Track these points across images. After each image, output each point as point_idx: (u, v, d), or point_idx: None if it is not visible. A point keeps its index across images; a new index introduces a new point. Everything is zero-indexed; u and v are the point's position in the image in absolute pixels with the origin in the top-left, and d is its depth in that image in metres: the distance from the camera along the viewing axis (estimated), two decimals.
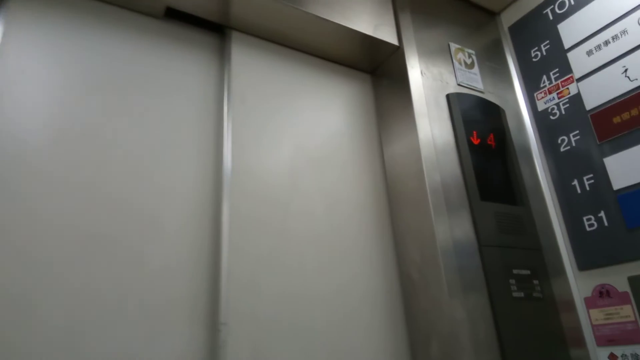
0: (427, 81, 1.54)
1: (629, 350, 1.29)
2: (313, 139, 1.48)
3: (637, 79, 1.39)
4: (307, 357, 1.18)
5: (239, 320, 1.11)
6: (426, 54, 1.61)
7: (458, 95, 1.56)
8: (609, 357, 1.34)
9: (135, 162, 1.16)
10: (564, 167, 1.55)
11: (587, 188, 1.47)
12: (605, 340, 1.35)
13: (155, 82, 1.28)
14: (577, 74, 1.56)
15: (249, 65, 1.44)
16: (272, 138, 1.39)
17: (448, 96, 1.55)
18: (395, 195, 1.51)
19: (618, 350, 1.32)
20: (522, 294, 1.34)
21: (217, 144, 1.31)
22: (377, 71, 1.71)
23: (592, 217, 1.44)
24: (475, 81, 1.66)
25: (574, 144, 1.53)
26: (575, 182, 1.50)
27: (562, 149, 1.57)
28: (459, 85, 1.61)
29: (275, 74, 1.49)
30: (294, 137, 1.44)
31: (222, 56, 1.43)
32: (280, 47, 1.54)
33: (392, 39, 1.57)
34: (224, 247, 1.16)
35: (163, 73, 1.31)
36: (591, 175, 1.46)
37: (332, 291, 1.30)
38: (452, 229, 1.34)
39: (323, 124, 1.52)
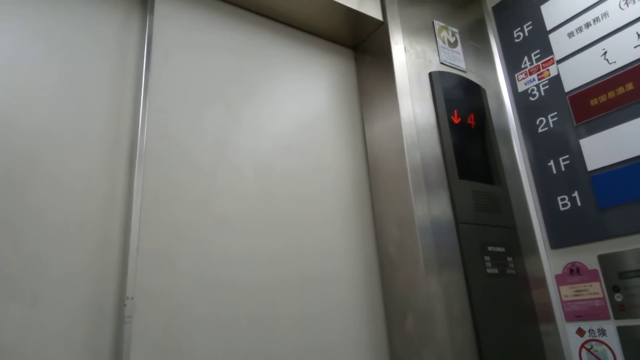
0: (411, 58, 1.53)
1: (595, 325, 1.34)
2: (279, 113, 1.43)
3: (615, 62, 1.41)
4: (228, 342, 1.11)
5: (147, 295, 1.02)
6: (410, 30, 1.59)
7: (440, 73, 1.56)
8: (576, 332, 1.38)
9: (42, 117, 1.04)
10: (541, 147, 1.58)
11: (563, 169, 1.50)
12: (574, 315, 1.40)
13: (68, 31, 1.13)
14: (557, 55, 1.58)
15: (177, 18, 1.31)
16: (200, 100, 1.27)
17: (431, 74, 1.54)
18: (376, 175, 1.51)
19: (585, 326, 1.37)
20: (496, 271, 1.37)
21: (134, 102, 1.18)
22: (360, 47, 1.69)
23: (566, 197, 1.47)
24: (458, 60, 1.66)
25: (551, 125, 1.55)
26: (552, 163, 1.53)
27: (540, 130, 1.59)
28: (441, 63, 1.61)
29: (215, 33, 1.37)
30: (241, 105, 1.36)
31: (146, 5, 1.28)
32: (226, 5, 1.42)
33: (377, 14, 1.55)
34: (134, 217, 1.05)
35: (77, 21, 1.16)
36: (567, 156, 1.49)
37: (289, 273, 1.27)
38: (430, 207, 1.35)
39: (295, 98, 1.50)
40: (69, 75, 1.11)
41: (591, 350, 1.34)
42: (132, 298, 1.00)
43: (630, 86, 1.36)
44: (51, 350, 0.91)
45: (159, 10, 1.28)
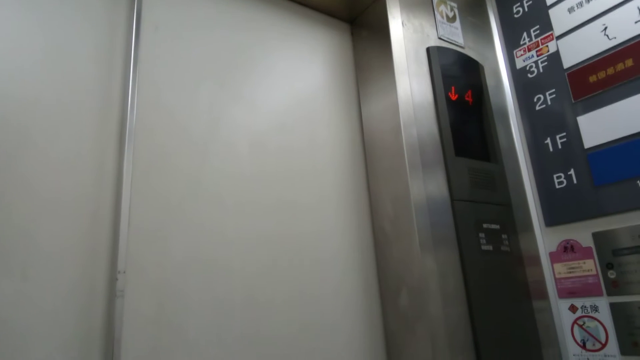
0: (408, 33, 1.50)
1: (588, 302, 1.35)
2: (274, 89, 1.41)
3: (615, 38, 1.39)
4: (221, 320, 1.10)
5: (139, 269, 1.02)
6: (408, 4, 1.56)
7: (438, 48, 1.53)
8: (569, 309, 1.39)
9: (31, 88, 1.01)
10: (538, 125, 1.56)
11: (559, 146, 1.49)
12: (567, 292, 1.41)
13: (56, 2, 1.09)
14: (557, 31, 1.55)
15: None
16: (193, 72, 1.25)
17: (428, 49, 1.52)
18: (372, 151, 1.49)
19: (578, 302, 1.38)
20: (490, 248, 1.37)
21: (124, 74, 1.14)
22: (357, 21, 1.66)
23: (562, 175, 1.46)
24: (456, 35, 1.63)
25: (549, 103, 1.54)
26: (548, 141, 1.52)
27: (537, 107, 1.57)
28: (439, 39, 1.58)
29: (208, 6, 1.33)
30: (233, 81, 1.33)
31: None
32: None
33: None
34: (124, 190, 1.03)
35: None
36: (564, 133, 1.48)
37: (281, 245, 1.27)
38: (426, 183, 1.34)
39: (291, 73, 1.47)
40: (57, 46, 1.07)
41: (583, 326, 1.35)
42: (124, 272, 0.98)
43: (630, 62, 1.34)
44: (42, 324, 0.90)
45: None
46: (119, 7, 1.20)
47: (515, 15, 1.70)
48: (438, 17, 1.61)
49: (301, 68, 1.49)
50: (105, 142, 1.08)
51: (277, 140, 1.35)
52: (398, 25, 1.48)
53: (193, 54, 1.27)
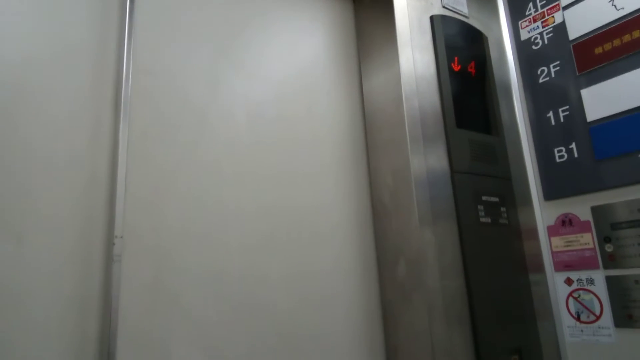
0: (412, 0, 1.46)
1: (584, 275, 1.36)
2: (274, 58, 1.38)
3: (623, 8, 1.35)
4: (218, 287, 1.11)
5: (137, 236, 1.02)
6: None
7: (442, 17, 1.50)
8: (564, 281, 1.40)
9: (25, 47, 0.99)
10: (540, 98, 1.54)
11: (562, 120, 1.47)
12: (563, 265, 1.41)
13: None
14: (564, 1, 1.51)
15: None
16: (190, 38, 1.22)
17: (432, 18, 1.48)
18: (372, 123, 1.48)
19: (574, 275, 1.38)
20: (489, 220, 1.37)
21: (119, 36, 1.12)
22: None
23: (563, 149, 1.45)
24: (460, 4, 1.59)
25: (553, 75, 1.51)
26: (550, 114, 1.50)
27: (540, 80, 1.55)
28: (443, 7, 1.54)
29: None
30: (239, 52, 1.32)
31: None
32: None
33: None
34: (120, 155, 1.02)
35: None
36: (567, 107, 1.46)
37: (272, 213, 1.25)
38: (426, 155, 1.33)
39: (291, 42, 1.44)
40: (52, 6, 1.05)
41: (578, 299, 1.36)
42: (121, 237, 0.98)
43: (637, 33, 1.31)
44: (40, 288, 0.91)
45: None
46: None
47: None
48: None
49: (301, 38, 1.46)
50: (101, 104, 1.06)
51: (276, 110, 1.33)
52: None
53: (192, 20, 1.24)
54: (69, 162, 0.99)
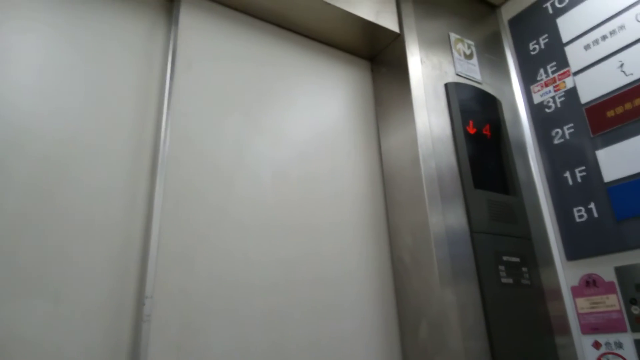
0: (427, 70, 1.56)
1: (612, 338, 1.32)
2: (297, 122, 1.46)
3: (632, 74, 1.41)
4: (243, 340, 1.12)
5: (166, 294, 1.05)
6: (426, 42, 1.62)
7: (456, 84, 1.58)
8: (592, 345, 1.37)
9: (71, 124, 1.09)
10: (557, 159, 1.58)
11: (579, 180, 1.49)
12: (590, 328, 1.38)
13: (96, 39, 1.19)
14: (573, 67, 1.58)
15: (201, 29, 1.35)
16: (220, 106, 1.31)
17: (447, 85, 1.56)
18: (391, 183, 1.52)
19: (602, 338, 1.35)
20: (511, 281, 1.37)
21: (158, 109, 1.23)
22: (377, 58, 1.72)
23: (582, 209, 1.46)
24: (473, 72, 1.68)
25: (567, 137, 1.56)
26: (567, 174, 1.53)
27: (555, 142, 1.59)
28: (457, 75, 1.63)
29: (237, 44, 1.42)
30: (264, 115, 1.41)
31: (171, 16, 1.34)
32: (247, 17, 1.48)
33: (394, 26, 1.58)
34: (154, 219, 1.09)
35: (105, 30, 1.21)
36: (583, 167, 1.49)
37: (303, 279, 1.29)
38: (445, 215, 1.36)
39: (313, 107, 1.53)
40: (96, 82, 1.16)
41: None
42: (152, 297, 1.02)
43: None
44: (71, 346, 0.94)
45: (183, 21, 1.32)
46: (156, 44, 1.29)
47: (532, 52, 1.74)
48: (456, 54, 1.66)
49: (322, 102, 1.55)
50: (139, 172, 1.14)
51: (299, 170, 1.39)
52: (417, 63, 1.54)
53: (222, 88, 1.34)
54: (105, 226, 1.05)
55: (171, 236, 1.11)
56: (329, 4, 1.45)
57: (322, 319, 1.26)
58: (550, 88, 1.65)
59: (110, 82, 1.18)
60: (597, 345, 1.36)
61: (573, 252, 1.47)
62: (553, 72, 1.65)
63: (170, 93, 1.22)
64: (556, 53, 1.65)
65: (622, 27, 1.46)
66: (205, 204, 1.19)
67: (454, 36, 1.70)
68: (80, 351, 0.95)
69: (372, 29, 1.58)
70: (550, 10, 1.70)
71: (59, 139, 1.06)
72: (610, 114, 1.44)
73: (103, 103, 1.15)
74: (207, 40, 1.36)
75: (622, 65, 1.44)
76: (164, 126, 1.18)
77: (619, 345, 1.30)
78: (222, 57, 1.37)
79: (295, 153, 1.41)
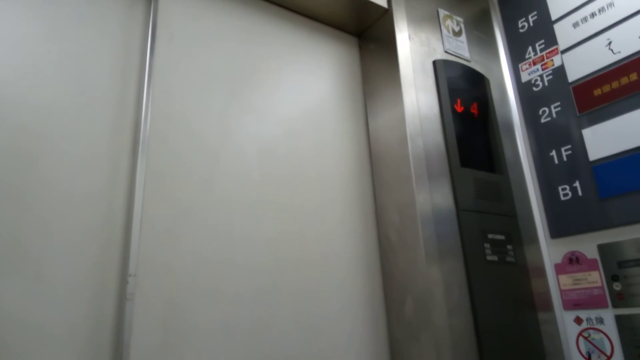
0: (415, 46, 1.53)
1: (593, 314, 1.35)
2: (283, 98, 1.44)
3: (620, 52, 1.41)
4: (229, 319, 1.12)
5: (150, 272, 1.04)
6: (415, 18, 1.59)
7: (445, 62, 1.56)
8: (574, 320, 1.39)
9: (48, 96, 1.05)
10: (543, 137, 1.58)
11: (565, 159, 1.50)
12: (572, 304, 1.41)
13: (72, 14, 1.14)
14: (562, 45, 1.57)
15: (182, 4, 1.31)
16: (205, 84, 1.28)
17: (435, 62, 1.54)
18: (379, 161, 1.51)
19: (584, 314, 1.38)
20: (495, 258, 1.38)
21: (139, 84, 1.18)
22: (365, 34, 1.69)
23: (567, 187, 1.47)
24: (462, 49, 1.66)
25: (554, 116, 1.56)
26: (553, 153, 1.53)
27: (542, 120, 1.59)
28: (445, 52, 1.61)
29: (220, 18, 1.38)
30: (253, 93, 1.38)
31: None
32: None
33: (382, 1, 1.55)
34: (137, 195, 1.06)
35: (81, 6, 1.16)
36: (569, 146, 1.49)
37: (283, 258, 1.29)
38: (431, 193, 1.36)
39: (299, 83, 1.50)
40: (74, 55, 1.11)
41: (588, 339, 1.35)
42: (135, 275, 1.01)
43: (634, 76, 1.36)
44: (53, 326, 0.93)
45: None
46: (136, 17, 1.24)
47: (521, 30, 1.73)
48: (444, 31, 1.64)
49: (309, 79, 1.52)
50: (120, 147, 1.11)
51: (285, 147, 1.38)
52: (405, 39, 1.51)
53: (205, 64, 1.30)
54: (86, 201, 1.02)
55: (154, 213, 1.09)
56: None
57: (308, 296, 1.26)
58: (538, 66, 1.64)
59: (89, 55, 1.13)
60: (578, 320, 1.38)
61: (557, 230, 1.48)
62: (541, 50, 1.64)
63: (150, 67, 1.18)
64: (545, 31, 1.64)
65: (611, 5, 1.45)
66: (189, 180, 1.17)
67: (443, 12, 1.68)
68: (63, 330, 0.93)
69: (359, 4, 1.54)
70: None
71: (37, 110, 1.02)
72: (597, 92, 1.44)
73: (81, 76, 1.11)
74: (189, 14, 1.32)
75: (610, 43, 1.44)
76: (144, 101, 1.15)
77: (600, 320, 1.33)
78: (204, 33, 1.33)
79: (282, 130, 1.39)
